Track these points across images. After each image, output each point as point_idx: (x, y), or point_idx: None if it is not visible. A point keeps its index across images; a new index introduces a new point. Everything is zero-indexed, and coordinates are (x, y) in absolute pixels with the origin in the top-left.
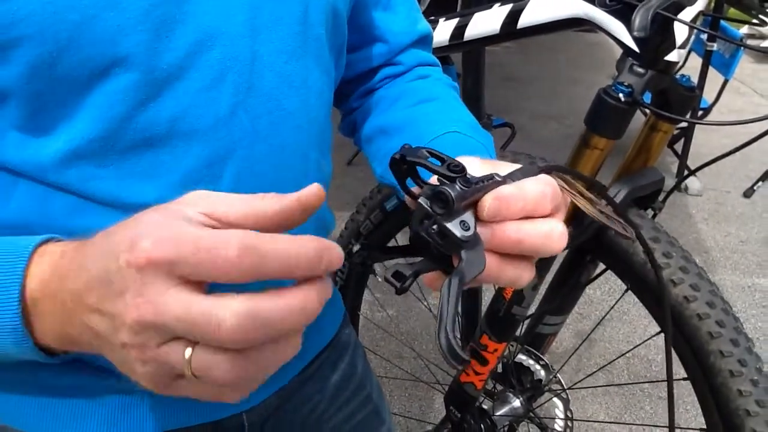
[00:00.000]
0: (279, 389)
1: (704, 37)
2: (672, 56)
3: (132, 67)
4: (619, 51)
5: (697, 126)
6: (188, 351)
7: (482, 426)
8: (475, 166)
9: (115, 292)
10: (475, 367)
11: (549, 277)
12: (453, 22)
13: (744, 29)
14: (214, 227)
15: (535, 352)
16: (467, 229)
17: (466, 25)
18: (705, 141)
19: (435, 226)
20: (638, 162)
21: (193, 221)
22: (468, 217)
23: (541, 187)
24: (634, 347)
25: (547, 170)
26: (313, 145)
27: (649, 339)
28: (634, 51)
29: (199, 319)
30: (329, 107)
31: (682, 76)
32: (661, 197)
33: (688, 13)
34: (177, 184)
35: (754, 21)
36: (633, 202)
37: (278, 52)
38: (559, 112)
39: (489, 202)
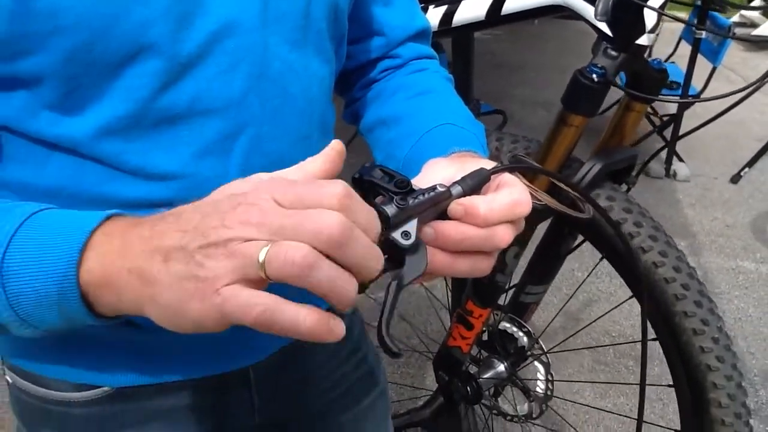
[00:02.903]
0: (282, 348)
1: None
2: (642, 40)
3: (156, 54)
4: None
5: (685, 113)
6: (267, 247)
7: (468, 389)
8: (439, 166)
9: (222, 209)
10: (461, 332)
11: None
12: (442, 9)
13: (735, 17)
14: None
15: (518, 319)
16: (408, 237)
17: (454, 11)
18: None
19: (381, 237)
20: (614, 140)
21: None
22: (410, 226)
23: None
24: (608, 311)
25: (501, 171)
26: (314, 127)
27: (622, 303)
28: (608, 35)
29: (310, 215)
30: (330, 93)
31: (654, 59)
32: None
33: (656, 0)
34: (194, 156)
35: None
36: (608, 177)
37: (284, 42)
38: (548, 99)
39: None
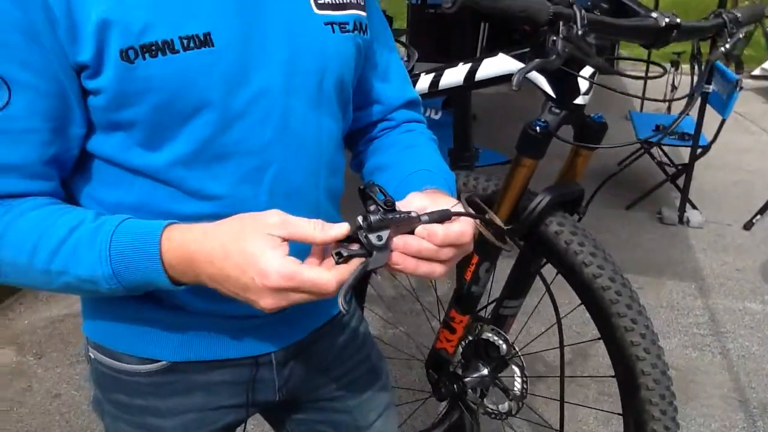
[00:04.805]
0: (299, 340)
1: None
2: (579, 100)
3: (214, 109)
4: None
5: (698, 163)
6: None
7: (455, 387)
8: (417, 197)
9: (250, 292)
10: (446, 335)
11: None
12: (431, 76)
13: (756, 71)
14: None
15: (498, 329)
16: (380, 240)
17: (440, 78)
18: (709, 178)
19: (363, 234)
20: (566, 178)
21: (278, 242)
22: (384, 233)
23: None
24: (566, 314)
25: (458, 215)
26: (323, 168)
27: (572, 311)
28: (552, 96)
29: (312, 288)
30: (339, 143)
31: (597, 114)
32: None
33: (588, 70)
34: (235, 183)
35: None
36: (561, 207)
37: (302, 105)
38: (563, 149)
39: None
